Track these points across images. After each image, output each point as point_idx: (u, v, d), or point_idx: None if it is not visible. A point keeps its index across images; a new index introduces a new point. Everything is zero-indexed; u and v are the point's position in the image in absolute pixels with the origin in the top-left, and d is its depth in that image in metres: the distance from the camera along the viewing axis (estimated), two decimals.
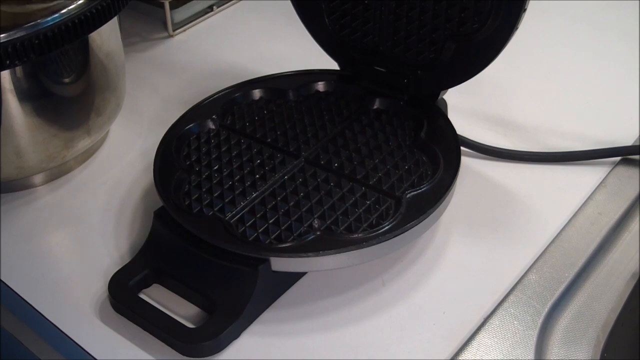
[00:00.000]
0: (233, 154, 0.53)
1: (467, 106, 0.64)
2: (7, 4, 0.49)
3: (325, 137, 0.55)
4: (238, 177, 0.51)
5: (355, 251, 0.45)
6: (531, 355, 0.45)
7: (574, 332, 0.47)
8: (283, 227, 0.47)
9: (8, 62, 0.47)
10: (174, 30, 0.78)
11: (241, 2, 0.84)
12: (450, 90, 0.57)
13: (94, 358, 0.45)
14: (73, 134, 0.56)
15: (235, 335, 0.45)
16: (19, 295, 0.49)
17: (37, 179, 0.58)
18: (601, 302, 0.49)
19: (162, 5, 0.76)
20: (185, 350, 0.44)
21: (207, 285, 0.46)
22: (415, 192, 0.48)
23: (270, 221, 0.47)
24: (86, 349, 0.45)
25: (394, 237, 0.46)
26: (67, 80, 0.54)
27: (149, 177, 0.56)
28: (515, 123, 0.63)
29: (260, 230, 0.47)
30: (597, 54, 0.73)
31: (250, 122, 0.57)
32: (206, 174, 0.52)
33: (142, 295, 0.48)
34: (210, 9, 0.81)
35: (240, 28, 0.79)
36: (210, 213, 0.48)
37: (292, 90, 0.59)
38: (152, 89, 0.70)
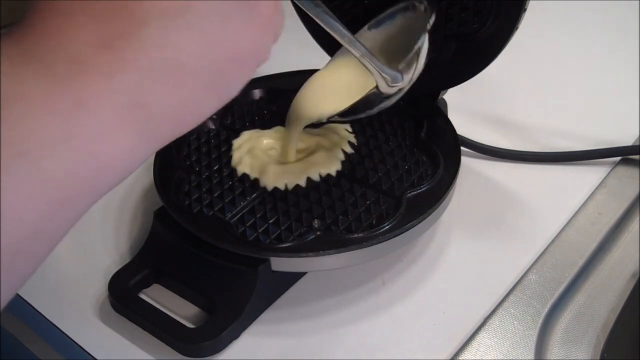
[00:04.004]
0: None
1: (467, 106, 0.64)
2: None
3: None
4: (238, 177, 0.51)
5: (355, 251, 0.45)
6: (531, 355, 0.45)
7: (574, 332, 0.47)
8: (283, 227, 0.47)
9: None
10: None
11: None
12: (450, 90, 0.57)
13: (94, 358, 0.45)
14: None
15: (235, 335, 0.45)
16: (19, 295, 0.49)
17: None
18: (601, 302, 0.49)
19: None
20: (185, 350, 0.44)
21: (207, 285, 0.46)
22: (415, 192, 0.48)
23: (270, 221, 0.47)
24: (86, 349, 0.45)
25: (394, 237, 0.46)
26: None
27: (149, 177, 0.56)
28: (515, 123, 0.63)
29: (260, 230, 0.46)
30: (597, 54, 0.73)
31: (250, 122, 0.57)
32: (206, 174, 0.52)
33: (142, 295, 0.48)
34: None
35: None
36: (210, 213, 0.48)
37: (292, 90, 0.59)
38: None
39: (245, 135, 0.54)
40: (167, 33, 0.26)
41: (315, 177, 0.50)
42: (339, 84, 0.49)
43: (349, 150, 0.53)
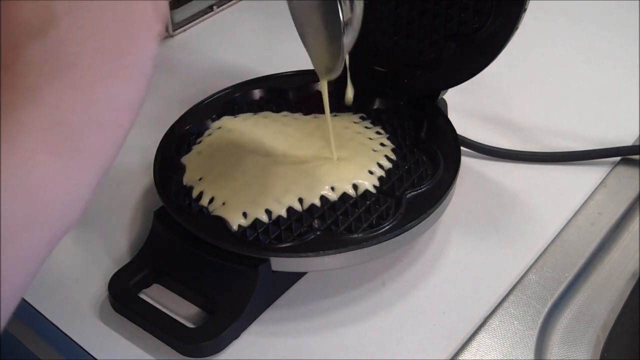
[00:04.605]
0: None
1: (467, 106, 0.64)
2: None
3: None
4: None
5: (355, 251, 0.45)
6: (531, 355, 0.45)
7: (574, 332, 0.47)
8: (283, 227, 0.47)
9: None
10: (174, 30, 0.78)
11: (241, 2, 0.84)
12: (450, 90, 0.57)
13: (94, 358, 0.45)
14: None
15: (235, 335, 0.45)
16: None
17: None
18: (601, 302, 0.49)
19: None
20: (185, 350, 0.44)
21: (207, 285, 0.46)
22: (415, 192, 0.48)
23: (270, 221, 0.47)
24: (86, 349, 0.45)
25: (394, 237, 0.46)
26: None
27: (149, 177, 0.56)
28: (515, 123, 0.63)
29: (260, 230, 0.46)
30: (598, 54, 0.73)
31: None
32: None
33: (142, 295, 0.48)
34: (210, 9, 0.81)
35: (240, 28, 0.79)
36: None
37: (292, 90, 0.59)
38: (152, 89, 0.69)
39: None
40: (49, 43, 0.26)
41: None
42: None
43: (385, 164, 0.51)
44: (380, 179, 0.50)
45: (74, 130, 0.27)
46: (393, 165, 0.51)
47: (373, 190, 0.49)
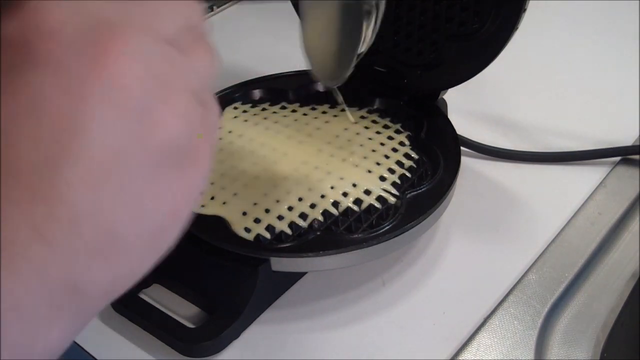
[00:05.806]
0: None
1: (467, 106, 0.64)
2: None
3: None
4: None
5: (355, 251, 0.45)
6: (531, 355, 0.45)
7: (574, 332, 0.47)
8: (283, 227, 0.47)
9: None
10: None
11: (241, 2, 0.84)
12: (450, 90, 0.57)
13: (94, 358, 0.45)
14: None
15: (235, 335, 0.45)
16: None
17: None
18: (601, 302, 0.49)
19: None
20: (185, 350, 0.44)
21: (207, 285, 0.46)
22: (415, 192, 0.48)
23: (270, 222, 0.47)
24: (86, 349, 0.45)
25: (394, 237, 0.46)
26: None
27: None
28: (515, 123, 0.63)
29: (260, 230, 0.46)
30: (597, 54, 0.73)
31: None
32: None
33: (142, 295, 0.48)
34: (210, 9, 0.81)
35: (240, 28, 0.79)
36: (210, 213, 0.48)
37: (292, 90, 0.59)
38: None
39: None
40: (97, 205, 0.23)
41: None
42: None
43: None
44: (380, 178, 0.50)
45: (88, 297, 0.24)
46: (393, 165, 0.51)
47: (375, 190, 0.49)
